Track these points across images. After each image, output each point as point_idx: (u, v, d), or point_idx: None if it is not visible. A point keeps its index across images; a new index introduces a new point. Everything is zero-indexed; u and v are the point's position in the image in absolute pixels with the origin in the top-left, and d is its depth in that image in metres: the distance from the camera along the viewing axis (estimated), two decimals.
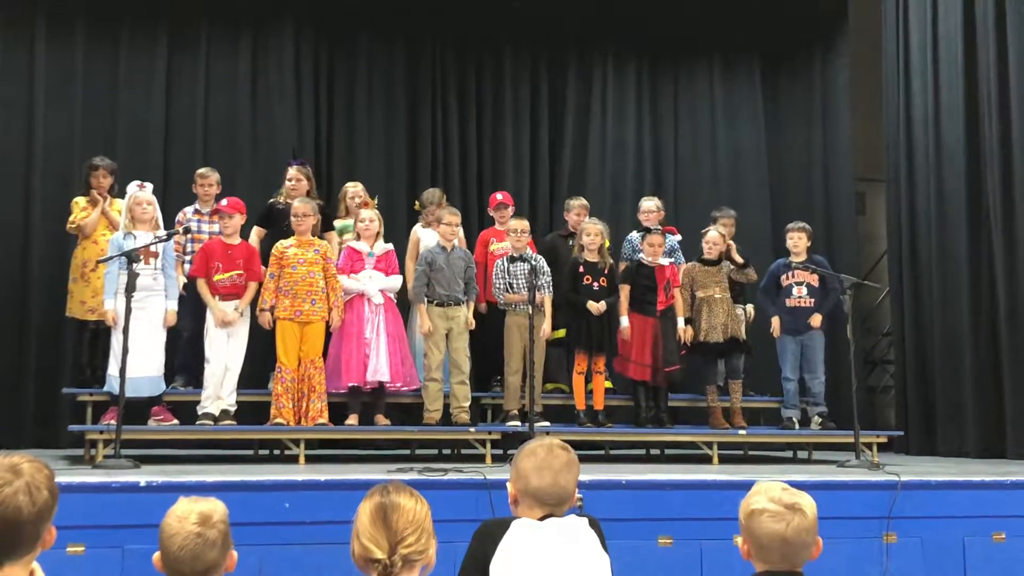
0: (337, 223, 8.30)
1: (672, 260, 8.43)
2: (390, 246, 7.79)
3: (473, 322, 7.74)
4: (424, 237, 8.26)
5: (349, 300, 7.50)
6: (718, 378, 8.34)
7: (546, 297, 7.78)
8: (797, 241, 8.39)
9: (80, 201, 7.89)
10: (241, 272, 7.26)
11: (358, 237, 7.72)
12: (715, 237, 8.35)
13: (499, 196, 8.73)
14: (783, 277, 8.40)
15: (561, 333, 8.07)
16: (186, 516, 2.60)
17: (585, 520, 2.98)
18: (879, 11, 10.58)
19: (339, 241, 8.09)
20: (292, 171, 8.20)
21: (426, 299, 7.60)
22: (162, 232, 7.14)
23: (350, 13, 10.42)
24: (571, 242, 8.58)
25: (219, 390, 7.14)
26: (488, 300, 8.23)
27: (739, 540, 2.75)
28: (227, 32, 10.05)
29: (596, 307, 7.78)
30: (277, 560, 4.93)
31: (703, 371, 8.51)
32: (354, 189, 8.41)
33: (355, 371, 7.37)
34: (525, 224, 7.92)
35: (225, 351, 7.18)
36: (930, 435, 9.44)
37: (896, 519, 5.74)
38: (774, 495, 2.69)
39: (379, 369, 7.35)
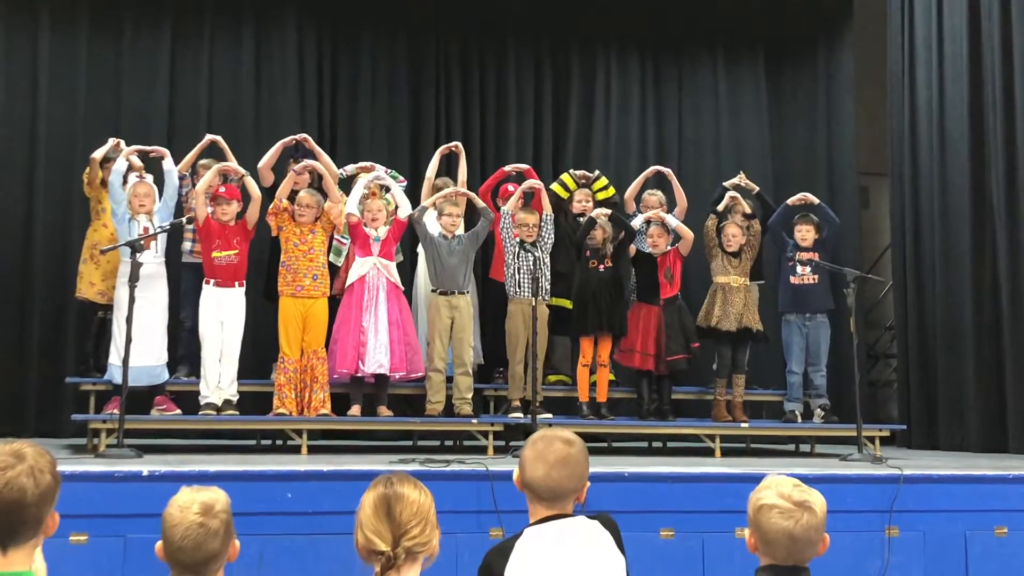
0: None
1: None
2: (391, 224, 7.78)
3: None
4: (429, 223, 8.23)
5: (349, 286, 7.50)
6: (723, 371, 8.31)
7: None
8: (805, 234, 8.40)
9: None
10: (237, 252, 7.31)
11: (365, 224, 7.70)
12: (735, 232, 8.33)
13: (511, 188, 8.72)
14: (788, 260, 8.43)
15: (568, 303, 8.06)
16: (188, 506, 2.61)
17: (596, 522, 2.92)
18: (884, 4, 10.56)
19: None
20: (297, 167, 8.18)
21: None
22: (164, 224, 7.14)
23: (353, 3, 10.41)
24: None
25: (217, 376, 7.14)
26: (494, 279, 8.25)
27: (746, 533, 2.75)
28: (230, 22, 10.03)
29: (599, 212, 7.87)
30: (279, 550, 4.94)
31: (712, 361, 8.52)
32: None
33: (349, 359, 7.37)
34: (534, 218, 7.91)
35: (218, 335, 7.19)
36: (932, 429, 9.45)
37: (898, 513, 5.75)
38: (784, 491, 2.68)
39: (377, 359, 7.35)
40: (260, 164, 7.89)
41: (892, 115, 10.35)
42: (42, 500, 2.26)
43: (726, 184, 8.95)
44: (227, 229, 7.34)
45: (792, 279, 8.40)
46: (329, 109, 10.29)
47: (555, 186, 8.56)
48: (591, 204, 8.65)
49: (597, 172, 8.86)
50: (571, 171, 8.79)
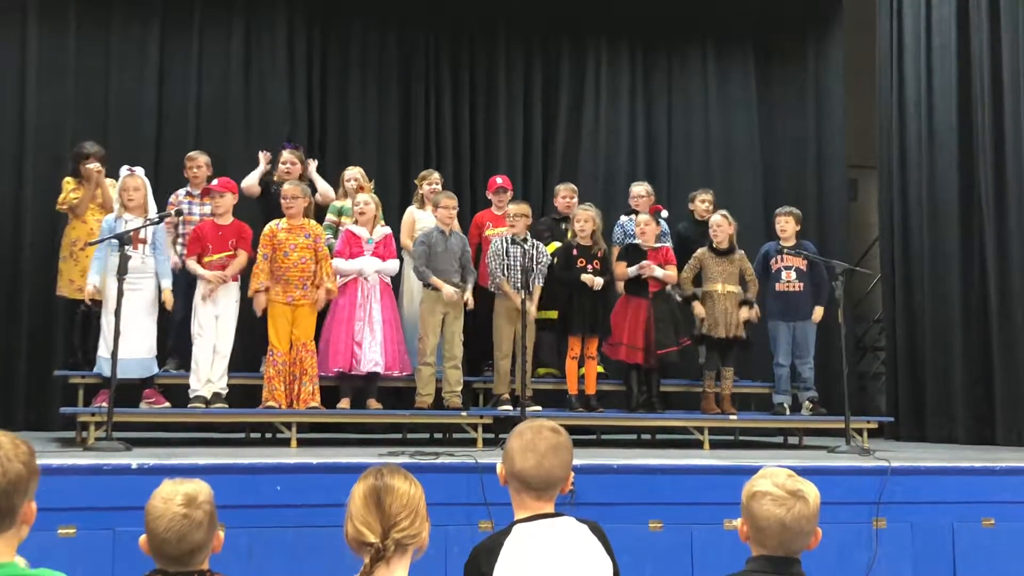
0: (336, 203, 8.31)
1: (665, 243, 8.43)
2: (388, 230, 7.79)
3: (472, 301, 7.72)
4: (420, 218, 8.25)
5: (343, 284, 7.50)
6: (711, 364, 8.31)
7: (537, 286, 7.79)
8: (785, 225, 8.33)
9: (71, 181, 7.86)
10: (232, 253, 7.27)
11: (355, 221, 7.71)
12: (719, 220, 8.24)
13: (499, 180, 8.72)
14: (772, 261, 8.35)
15: (553, 314, 8.07)
16: (171, 498, 2.60)
17: (585, 527, 2.92)
18: None
19: (337, 222, 8.12)
20: (286, 154, 8.22)
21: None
22: (153, 215, 7.12)
23: None
24: (564, 225, 8.60)
25: (209, 369, 7.12)
26: (480, 284, 8.23)
27: (735, 523, 2.76)
28: (220, 15, 10.00)
29: (591, 279, 7.79)
30: (268, 543, 4.94)
31: (700, 355, 8.52)
32: (351, 172, 8.39)
33: (342, 357, 7.37)
34: (525, 208, 7.91)
35: (213, 329, 7.17)
36: (920, 421, 9.48)
37: (886, 505, 5.76)
38: (778, 480, 2.69)
39: (373, 358, 7.35)
40: (245, 184, 8.04)
41: (881, 107, 10.38)
42: (12, 490, 2.22)
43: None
44: (222, 230, 7.31)
45: (777, 286, 8.31)
46: (319, 100, 10.27)
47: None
48: (575, 200, 8.66)
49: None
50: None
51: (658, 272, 7.99)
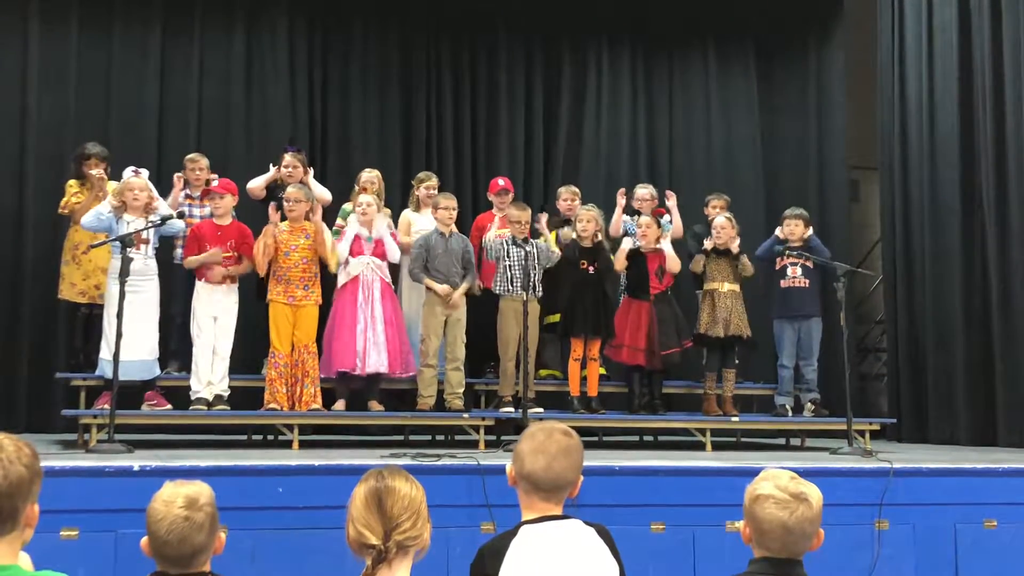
0: (347, 206, 8.32)
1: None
2: (389, 229, 7.77)
3: (458, 300, 7.69)
4: (415, 221, 8.25)
5: (343, 286, 7.50)
6: (713, 365, 8.30)
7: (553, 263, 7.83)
8: (794, 229, 8.30)
9: (74, 184, 7.86)
10: (231, 255, 7.27)
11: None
12: (722, 223, 8.22)
13: (501, 182, 8.70)
14: (777, 259, 8.35)
15: (556, 317, 8.07)
16: (172, 500, 2.60)
17: (592, 529, 2.92)
18: None
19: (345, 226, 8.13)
20: (288, 157, 8.20)
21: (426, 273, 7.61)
22: (155, 217, 7.12)
23: None
24: (567, 227, 8.59)
25: (209, 371, 7.12)
26: (484, 287, 8.24)
27: (737, 525, 2.75)
28: (221, 17, 10.00)
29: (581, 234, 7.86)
30: (270, 545, 4.94)
31: (702, 356, 8.51)
32: (367, 176, 8.37)
33: (344, 358, 7.37)
34: (528, 215, 7.88)
35: (212, 330, 7.17)
36: (922, 423, 9.47)
37: (888, 506, 5.76)
38: (781, 483, 2.69)
39: (376, 360, 7.35)
40: (251, 186, 8.03)
41: (882, 109, 10.36)
42: (14, 492, 2.21)
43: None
44: (221, 230, 7.31)
45: (782, 283, 8.29)
46: (320, 103, 10.26)
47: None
48: (578, 202, 8.65)
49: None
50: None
51: (665, 245, 8.09)
